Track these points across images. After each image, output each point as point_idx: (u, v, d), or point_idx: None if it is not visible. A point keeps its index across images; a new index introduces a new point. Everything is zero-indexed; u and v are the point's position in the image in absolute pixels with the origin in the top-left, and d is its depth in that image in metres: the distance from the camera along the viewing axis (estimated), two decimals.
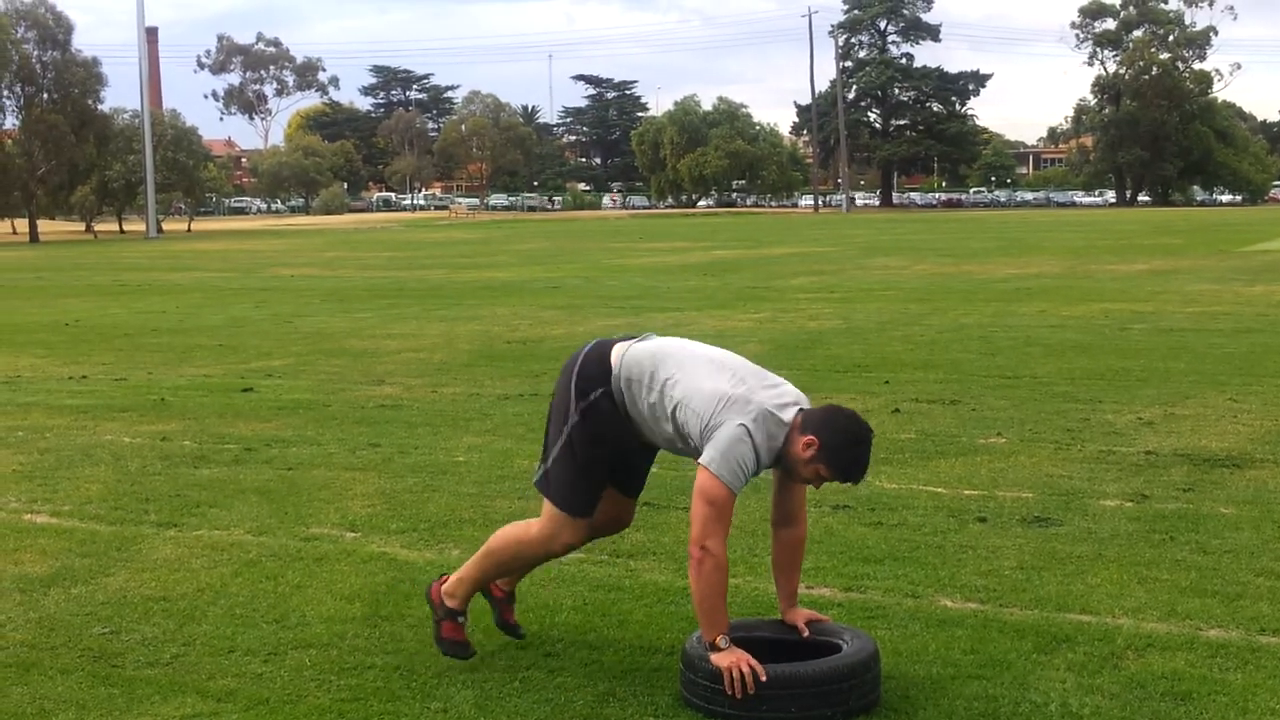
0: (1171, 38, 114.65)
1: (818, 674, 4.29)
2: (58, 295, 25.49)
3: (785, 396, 4.50)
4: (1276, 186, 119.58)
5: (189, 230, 74.16)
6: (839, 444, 4.40)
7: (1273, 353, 13.28)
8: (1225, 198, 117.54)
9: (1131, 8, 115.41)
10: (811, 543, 6.37)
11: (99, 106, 70.77)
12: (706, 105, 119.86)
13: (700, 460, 4.39)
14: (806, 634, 4.60)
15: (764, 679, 4.25)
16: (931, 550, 6.28)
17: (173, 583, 5.97)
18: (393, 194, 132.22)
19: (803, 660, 4.41)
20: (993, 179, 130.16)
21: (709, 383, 4.47)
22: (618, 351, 4.69)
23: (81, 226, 75.42)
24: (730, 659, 4.28)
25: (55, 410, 10.94)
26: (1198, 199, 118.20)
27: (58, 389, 12.27)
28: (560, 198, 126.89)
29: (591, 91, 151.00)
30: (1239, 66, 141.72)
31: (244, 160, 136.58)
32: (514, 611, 5.11)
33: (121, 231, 73.43)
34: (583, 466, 4.65)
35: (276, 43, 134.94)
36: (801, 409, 4.48)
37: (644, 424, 4.62)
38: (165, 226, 73.17)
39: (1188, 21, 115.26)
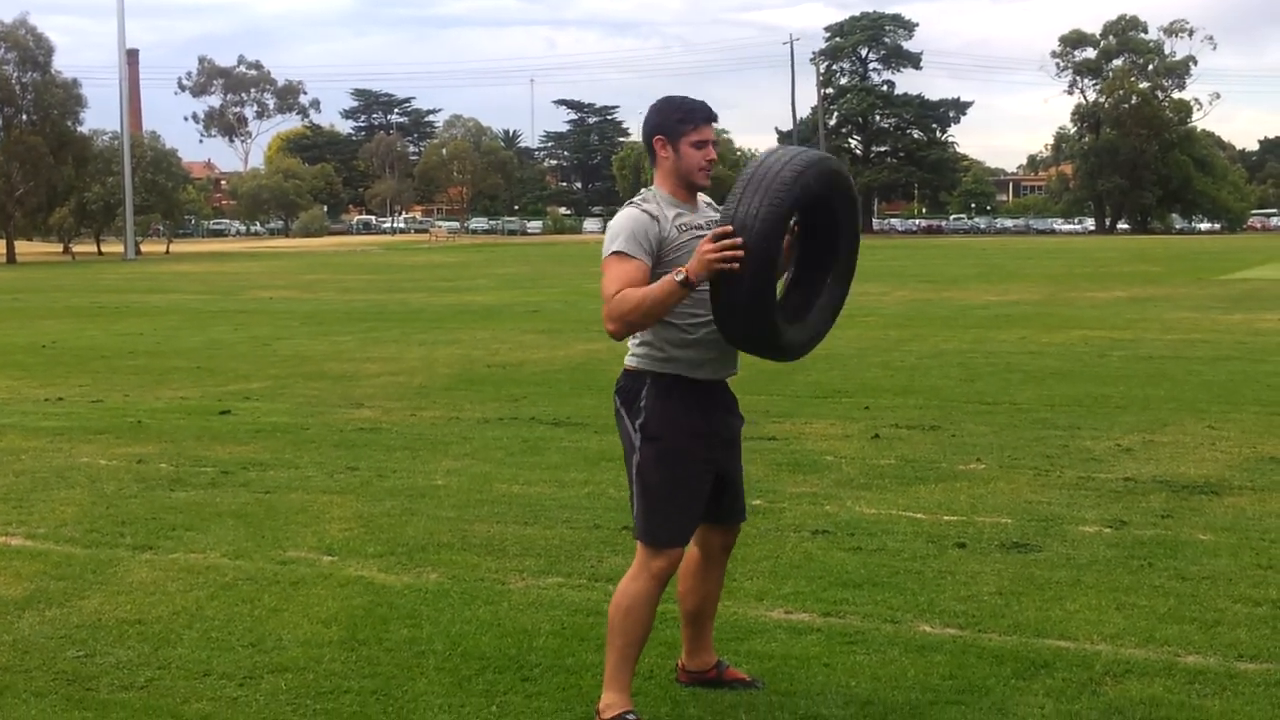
0: (1151, 67, 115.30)
1: (736, 191, 4.20)
2: (35, 317, 25.39)
3: None
4: (1255, 215, 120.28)
5: (167, 252, 73.99)
6: (660, 113, 4.43)
7: (1251, 380, 13.33)
8: (1204, 226, 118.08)
9: (1111, 37, 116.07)
10: (791, 567, 6.38)
11: (78, 128, 70.63)
12: None
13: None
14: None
15: (730, 231, 4.13)
16: (911, 576, 6.28)
17: (148, 606, 5.93)
18: (373, 217, 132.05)
19: None
20: (973, 206, 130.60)
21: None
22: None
23: (59, 248, 75.19)
24: (700, 261, 4.12)
25: (31, 432, 10.89)
26: (1176, 227, 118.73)
27: (34, 411, 12.21)
28: (539, 222, 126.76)
29: (573, 116, 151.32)
30: (1218, 96, 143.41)
31: (223, 182, 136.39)
32: (734, 669, 4.91)
33: (100, 253, 73.23)
34: (658, 494, 4.43)
35: (258, 65, 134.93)
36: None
37: (679, 331, 4.42)
38: (144, 248, 73.03)
39: (1167, 51, 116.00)
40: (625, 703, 4.43)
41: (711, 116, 4.46)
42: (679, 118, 4.42)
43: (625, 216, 4.36)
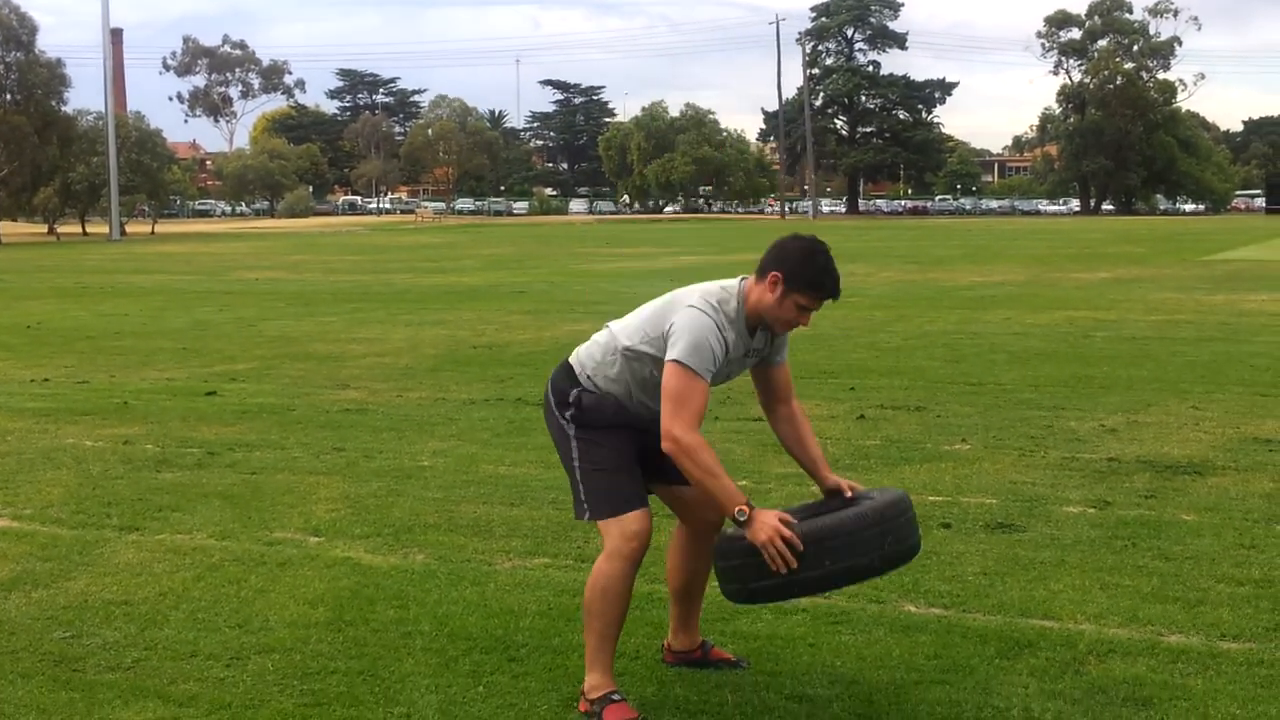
0: (1136, 48, 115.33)
1: (847, 521, 4.19)
2: (19, 297, 25.31)
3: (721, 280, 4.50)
4: (1239, 196, 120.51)
5: (153, 233, 73.73)
6: (798, 262, 4.33)
7: (1234, 361, 13.38)
8: (1188, 207, 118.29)
9: (1097, 17, 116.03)
10: None
11: (63, 108, 70.32)
12: (674, 111, 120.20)
13: (666, 357, 4.30)
14: (850, 495, 4.47)
15: (799, 543, 4.12)
16: None
17: (134, 587, 5.93)
18: (358, 197, 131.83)
19: None
20: (958, 187, 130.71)
21: (646, 312, 4.50)
22: (573, 355, 4.67)
23: (44, 228, 74.87)
24: (759, 527, 4.11)
25: (16, 413, 10.87)
26: (1161, 208, 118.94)
27: (19, 392, 12.18)
28: (525, 203, 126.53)
29: (559, 97, 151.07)
30: (1203, 76, 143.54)
31: (209, 163, 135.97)
32: (719, 650, 4.93)
33: (84, 234, 72.93)
34: (602, 468, 4.47)
35: (242, 45, 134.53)
36: (746, 277, 4.46)
37: (631, 399, 4.50)
38: (129, 229, 72.76)
39: (1152, 32, 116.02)
40: (609, 683, 4.44)
41: (835, 297, 4.43)
42: (809, 280, 4.35)
43: (703, 328, 4.29)
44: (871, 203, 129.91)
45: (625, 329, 4.53)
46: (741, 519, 4.18)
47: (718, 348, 4.30)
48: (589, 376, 4.56)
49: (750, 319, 4.43)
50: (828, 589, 4.31)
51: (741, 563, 4.24)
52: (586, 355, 4.61)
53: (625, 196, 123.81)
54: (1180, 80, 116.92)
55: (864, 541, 4.19)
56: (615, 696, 4.40)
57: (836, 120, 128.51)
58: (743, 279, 4.46)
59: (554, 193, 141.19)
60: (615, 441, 4.51)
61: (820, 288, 4.36)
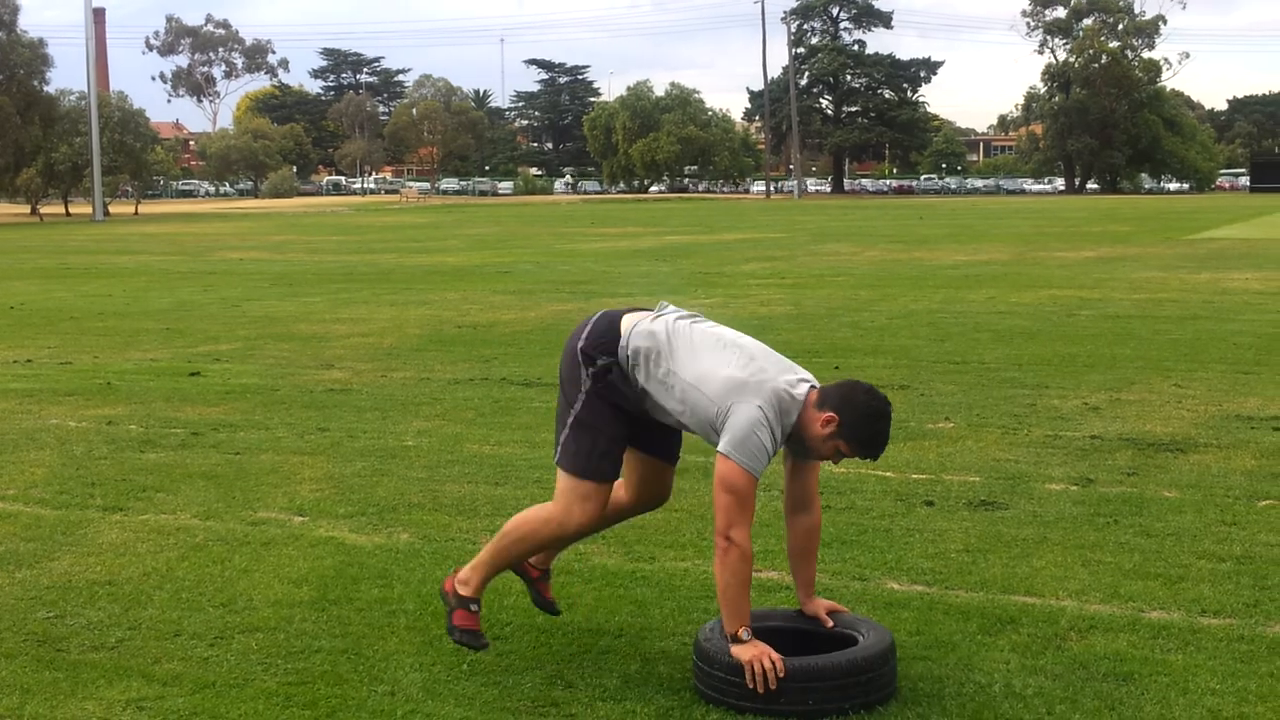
0: (1121, 26, 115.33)
1: (836, 667, 4.26)
2: (2, 278, 25.19)
3: (797, 374, 4.48)
4: (1223, 175, 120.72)
5: (136, 213, 73.48)
6: (859, 419, 4.34)
7: (1217, 339, 13.43)
8: (1173, 186, 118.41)
9: None
10: (760, 526, 6.40)
11: (45, 88, 69.92)
12: (659, 90, 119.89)
13: (719, 448, 4.32)
14: (830, 624, 4.56)
15: (784, 674, 4.21)
16: (879, 534, 6.33)
17: (118, 567, 5.93)
18: (343, 178, 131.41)
19: (818, 652, 4.40)
20: (943, 166, 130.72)
21: (720, 368, 4.40)
22: (628, 321, 4.60)
23: (27, 209, 74.56)
24: (752, 652, 4.23)
25: None
26: (1145, 187, 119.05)
27: (2, 372, 12.15)
28: (510, 183, 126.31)
29: (544, 76, 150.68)
30: (1187, 55, 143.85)
31: (192, 143, 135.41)
32: (550, 589, 5.05)
33: (68, 214, 72.64)
34: (597, 428, 4.53)
35: (225, 24, 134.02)
36: (814, 386, 4.45)
37: (651, 400, 4.52)
38: (112, 209, 72.47)
39: (1137, 10, 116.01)
40: (478, 593, 4.75)
41: (876, 457, 4.47)
42: (862, 439, 4.37)
43: (764, 436, 4.31)
44: (857, 182, 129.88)
45: (686, 364, 4.45)
46: (744, 639, 4.27)
47: (770, 451, 4.35)
48: (629, 355, 4.52)
49: (800, 438, 4.44)
50: None
51: (724, 678, 4.30)
52: (640, 341, 4.53)
53: (587, 183, 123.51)
54: (1165, 59, 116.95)
55: (852, 687, 4.25)
56: (473, 606, 4.70)
57: (822, 99, 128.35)
58: (812, 388, 4.44)
59: (539, 172, 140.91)
60: (617, 420, 4.56)
61: (867, 450, 4.41)
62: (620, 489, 4.79)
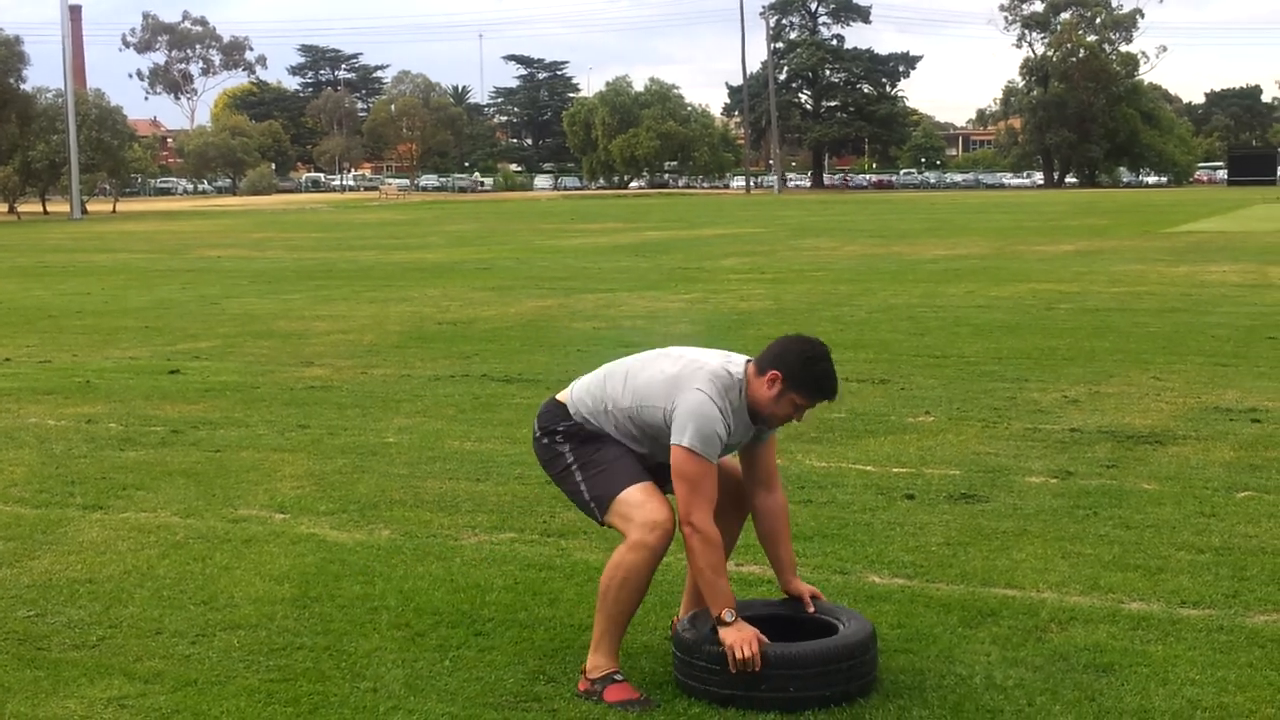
0: (1099, 20, 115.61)
1: (819, 654, 4.27)
2: None
3: (730, 356, 4.50)
4: (1201, 168, 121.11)
5: (114, 211, 73.18)
6: (799, 366, 4.37)
7: (1195, 331, 13.48)
8: (1151, 179, 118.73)
9: None
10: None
11: (21, 86, 69.56)
12: (638, 86, 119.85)
13: (672, 440, 4.34)
14: (812, 609, 4.57)
15: (765, 660, 4.22)
16: (860, 527, 6.34)
17: (99, 565, 5.92)
18: (322, 175, 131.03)
19: (797, 639, 4.41)
20: (923, 160, 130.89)
21: (656, 376, 4.45)
22: (564, 394, 4.66)
23: (4, 207, 74.18)
24: (736, 635, 4.23)
25: None
26: (1124, 180, 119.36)
27: None
28: (490, 179, 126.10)
29: (523, 72, 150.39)
30: (1165, 49, 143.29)
31: (170, 140, 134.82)
32: None
33: (45, 212, 72.26)
34: (600, 460, 4.49)
35: (203, 21, 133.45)
36: (750, 360, 4.47)
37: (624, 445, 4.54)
38: (90, 207, 72.10)
39: (1114, 4, 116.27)
40: (613, 665, 4.44)
41: (833, 399, 4.50)
42: (809, 384, 4.39)
43: (710, 418, 4.32)
44: (837, 177, 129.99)
45: (626, 390, 4.49)
46: (728, 620, 4.26)
47: (722, 433, 4.35)
48: (585, 418, 4.56)
49: (751, 409, 4.44)
50: (784, 708, 4.35)
51: (706, 666, 4.31)
52: (583, 396, 4.59)
53: (567, 178, 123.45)
54: (1142, 52, 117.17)
55: (833, 674, 4.27)
56: (617, 676, 4.41)
57: (801, 94, 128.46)
58: (747, 361, 4.46)
59: (519, 168, 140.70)
60: (613, 443, 4.53)
61: (819, 391, 4.42)
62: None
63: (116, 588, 5.60)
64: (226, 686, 4.51)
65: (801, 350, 4.41)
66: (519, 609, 5.23)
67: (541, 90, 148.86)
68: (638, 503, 4.39)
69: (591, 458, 4.51)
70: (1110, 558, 5.80)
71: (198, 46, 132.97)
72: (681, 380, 4.38)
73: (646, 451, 4.51)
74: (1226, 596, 5.28)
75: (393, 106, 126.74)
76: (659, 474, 4.49)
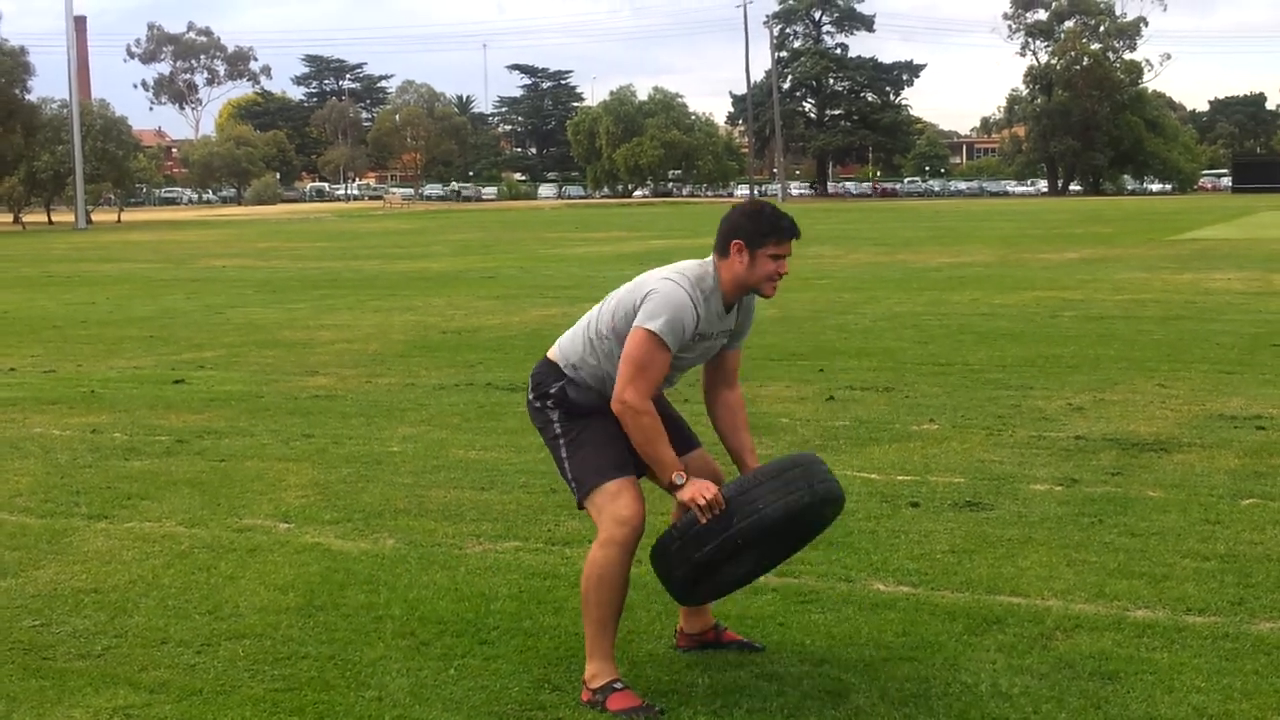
0: (1103, 28, 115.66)
1: (769, 469, 4.32)
2: None
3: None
4: (1205, 175, 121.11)
5: (119, 221, 73.28)
6: (750, 220, 4.44)
7: (1200, 339, 13.47)
8: (1155, 187, 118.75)
9: None
10: None
11: (26, 96, 69.70)
12: (642, 95, 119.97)
13: (635, 323, 4.36)
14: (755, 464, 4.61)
15: (726, 497, 4.26)
16: (865, 535, 6.34)
17: (104, 575, 5.92)
18: (326, 184, 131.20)
19: None
20: (926, 169, 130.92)
21: (616, 297, 4.54)
22: (554, 349, 4.67)
23: (9, 218, 74.31)
24: (691, 490, 4.26)
25: None
26: (1128, 188, 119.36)
27: None
28: (494, 188, 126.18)
29: (527, 81, 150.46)
30: (1169, 57, 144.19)
31: (174, 150, 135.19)
32: (732, 632, 4.94)
33: (50, 222, 72.38)
34: (588, 443, 4.48)
35: (207, 31, 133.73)
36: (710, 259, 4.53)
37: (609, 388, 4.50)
38: (95, 217, 72.27)
39: (1118, 12, 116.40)
40: (611, 671, 4.43)
41: (796, 234, 4.51)
42: (766, 230, 4.42)
43: (679, 302, 4.35)
44: (840, 185, 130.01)
45: (599, 316, 4.56)
46: (680, 482, 4.29)
47: (689, 321, 4.35)
48: (574, 367, 4.57)
49: (728, 296, 4.48)
50: (771, 542, 4.34)
51: (680, 543, 4.33)
52: (569, 345, 4.62)
53: (571, 187, 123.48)
54: (1146, 60, 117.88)
55: (790, 480, 4.29)
56: (618, 685, 4.39)
57: (805, 103, 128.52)
58: (711, 259, 4.51)
59: (523, 178, 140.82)
60: (601, 422, 4.50)
61: (780, 231, 4.46)
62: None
63: (122, 597, 5.60)
64: (232, 696, 4.51)
65: (744, 211, 4.50)
66: (524, 617, 5.23)
67: (546, 100, 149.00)
68: (611, 494, 4.40)
69: (579, 435, 4.51)
70: (1115, 565, 5.79)
71: (202, 57, 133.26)
72: (647, 279, 4.46)
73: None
74: (1232, 604, 5.28)
75: (397, 116, 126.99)
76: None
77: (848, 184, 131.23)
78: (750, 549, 4.34)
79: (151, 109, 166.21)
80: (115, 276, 27.39)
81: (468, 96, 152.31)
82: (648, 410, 4.32)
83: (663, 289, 4.37)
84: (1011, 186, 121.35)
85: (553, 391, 4.57)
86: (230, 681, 4.65)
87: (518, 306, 18.61)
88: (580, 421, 4.53)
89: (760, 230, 4.42)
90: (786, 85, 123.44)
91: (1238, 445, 8.27)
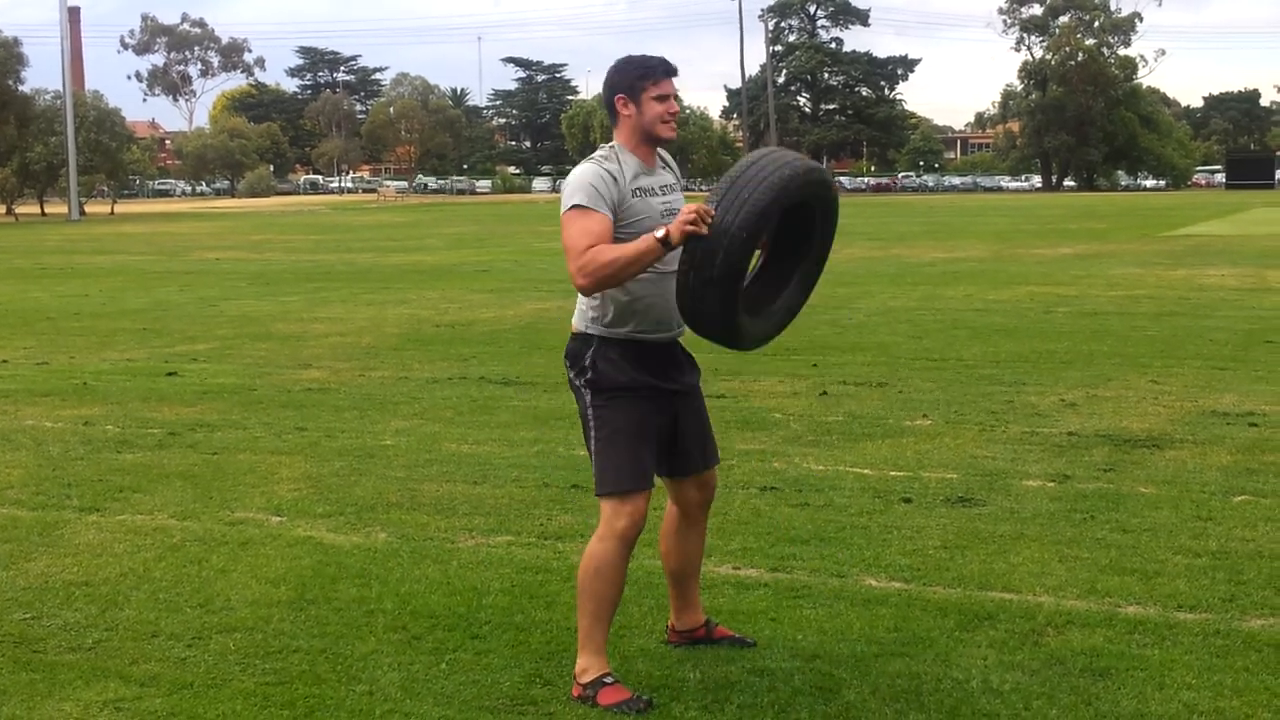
0: (1097, 24, 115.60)
1: (736, 170, 4.29)
2: None
3: None
4: (1200, 172, 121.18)
5: (112, 213, 73.17)
6: (620, 75, 4.48)
7: (1193, 335, 13.48)
8: (1149, 183, 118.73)
9: None
10: (739, 524, 6.44)
11: (19, 87, 69.56)
12: None
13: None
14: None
15: (711, 209, 4.18)
16: (857, 531, 6.34)
17: (95, 568, 5.91)
18: (320, 176, 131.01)
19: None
20: (921, 164, 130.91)
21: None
22: (572, 320, 4.61)
23: (2, 209, 74.22)
24: (681, 218, 4.18)
25: None
26: (1122, 184, 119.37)
27: None
28: (488, 181, 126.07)
29: (521, 74, 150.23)
30: (1163, 53, 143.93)
31: (168, 142, 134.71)
32: (724, 627, 4.93)
33: (43, 214, 72.28)
34: (618, 440, 4.44)
35: (201, 23, 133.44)
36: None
37: (636, 305, 4.46)
38: (88, 209, 72.10)
39: (1113, 8, 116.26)
40: (602, 665, 4.43)
41: (671, 71, 4.52)
42: (639, 74, 4.46)
43: (585, 171, 4.40)
44: (835, 179, 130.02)
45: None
46: (661, 235, 4.20)
47: (603, 179, 4.37)
48: (591, 319, 4.50)
49: (640, 150, 4.49)
50: (782, 241, 4.43)
51: (694, 271, 4.20)
52: (579, 307, 4.57)
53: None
54: (1141, 56, 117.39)
55: (764, 167, 4.27)
56: (608, 679, 4.39)
57: (799, 97, 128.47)
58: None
59: (517, 171, 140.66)
60: (634, 412, 4.46)
61: (651, 70, 4.48)
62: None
63: (113, 590, 5.59)
64: (223, 689, 4.51)
65: (612, 70, 4.52)
66: (516, 612, 5.22)
67: (540, 93, 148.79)
68: (624, 500, 4.41)
69: (611, 435, 4.45)
70: (1107, 561, 5.80)
71: (196, 48, 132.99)
72: (569, 179, 4.47)
73: (663, 316, 4.48)
74: (1223, 600, 5.28)
75: (391, 109, 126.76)
76: (671, 442, 4.58)
77: (842, 178, 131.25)
78: (754, 240, 4.22)
79: (145, 100, 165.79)
80: (108, 268, 27.35)
81: (462, 89, 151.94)
82: (593, 257, 4.23)
83: (571, 176, 4.44)
84: (1006, 182, 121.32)
85: (587, 364, 4.48)
86: (221, 675, 4.64)
87: (512, 300, 18.60)
88: (614, 412, 4.45)
89: (632, 77, 4.47)
90: (781, 79, 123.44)
91: (1230, 442, 8.28)
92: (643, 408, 4.47)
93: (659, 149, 4.61)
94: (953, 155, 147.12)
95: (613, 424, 4.46)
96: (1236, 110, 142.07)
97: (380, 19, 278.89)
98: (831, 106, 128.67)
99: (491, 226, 47.63)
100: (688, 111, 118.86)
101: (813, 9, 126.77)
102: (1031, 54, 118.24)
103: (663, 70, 4.49)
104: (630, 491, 4.43)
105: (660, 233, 4.19)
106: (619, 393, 4.46)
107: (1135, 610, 5.18)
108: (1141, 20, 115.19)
